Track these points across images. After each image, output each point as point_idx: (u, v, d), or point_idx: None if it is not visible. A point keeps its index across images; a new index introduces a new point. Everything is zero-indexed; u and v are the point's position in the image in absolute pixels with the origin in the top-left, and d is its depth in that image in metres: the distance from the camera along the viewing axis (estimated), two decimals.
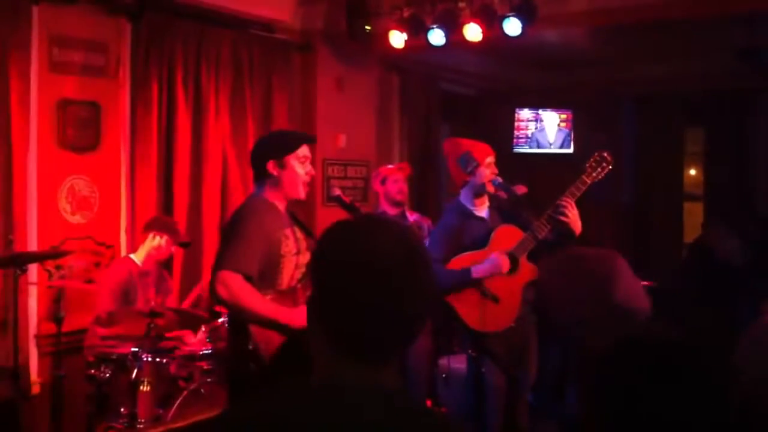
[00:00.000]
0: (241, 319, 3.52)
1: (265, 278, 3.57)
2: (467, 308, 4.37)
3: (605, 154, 4.43)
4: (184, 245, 5.32)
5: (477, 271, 4.39)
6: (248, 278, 3.51)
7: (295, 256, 3.66)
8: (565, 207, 4.31)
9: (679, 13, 5.61)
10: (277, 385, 1.45)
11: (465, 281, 4.38)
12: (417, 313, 1.46)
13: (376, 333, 1.42)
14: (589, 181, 4.40)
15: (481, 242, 4.50)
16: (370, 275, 1.41)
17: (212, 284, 3.49)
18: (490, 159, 4.63)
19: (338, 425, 1.34)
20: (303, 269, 3.71)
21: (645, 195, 9.09)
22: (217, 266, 3.52)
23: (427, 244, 4.69)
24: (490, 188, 4.62)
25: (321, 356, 1.47)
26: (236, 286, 3.44)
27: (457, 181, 4.73)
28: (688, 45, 7.37)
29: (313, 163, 3.85)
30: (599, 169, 4.40)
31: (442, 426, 1.45)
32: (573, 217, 4.33)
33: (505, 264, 4.39)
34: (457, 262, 4.44)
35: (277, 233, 3.63)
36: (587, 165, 4.43)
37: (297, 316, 3.47)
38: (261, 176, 3.74)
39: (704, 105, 8.87)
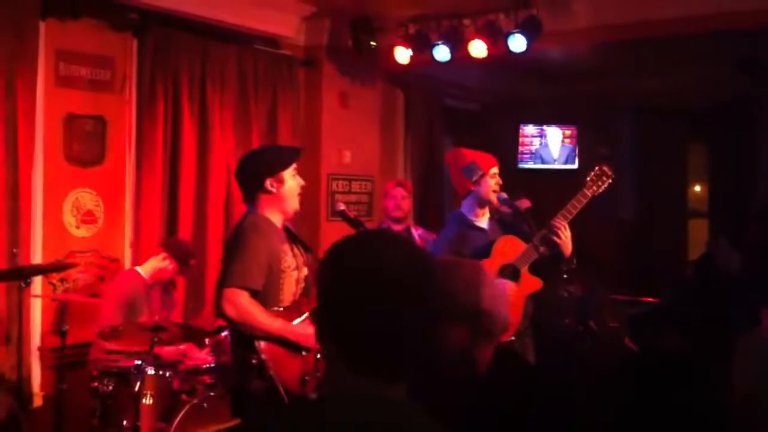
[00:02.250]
0: (247, 334, 3.53)
1: (267, 294, 3.59)
2: None
3: (605, 168, 4.40)
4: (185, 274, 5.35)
5: None
6: (254, 293, 3.52)
7: (294, 272, 3.68)
8: (558, 228, 4.30)
9: (680, 29, 5.64)
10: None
11: None
12: (427, 328, 1.46)
13: (384, 348, 1.41)
14: (590, 195, 4.36)
15: (482, 253, 4.46)
16: (380, 291, 1.41)
17: (218, 302, 3.51)
18: (495, 170, 4.61)
19: None
20: (303, 284, 3.72)
21: (648, 211, 9.09)
22: (222, 283, 3.53)
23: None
24: (494, 200, 4.61)
25: (331, 368, 1.47)
26: (243, 304, 3.47)
27: (460, 191, 4.70)
28: (691, 59, 7.38)
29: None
30: (600, 183, 4.38)
31: None
32: (565, 240, 4.31)
33: (511, 289, 4.34)
34: None
35: (277, 249, 3.64)
36: (588, 179, 4.41)
37: (305, 334, 3.49)
38: (253, 194, 3.74)
39: (707, 119, 8.87)
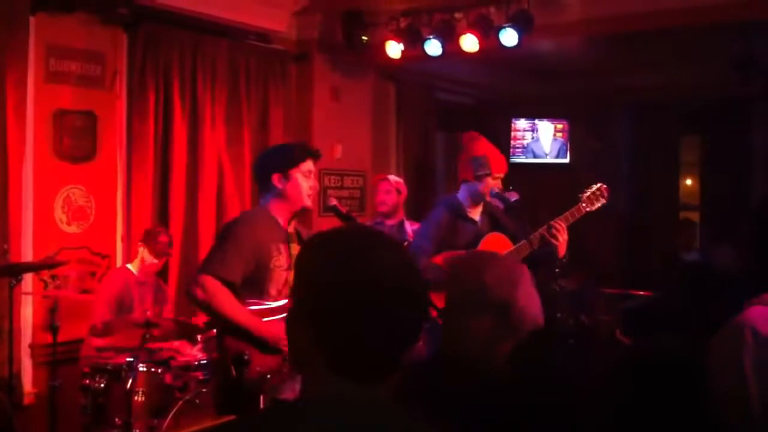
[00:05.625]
0: (225, 325, 3.61)
1: (253, 287, 3.65)
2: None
3: (603, 189, 4.53)
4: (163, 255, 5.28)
5: None
6: (229, 285, 3.58)
7: (285, 271, 3.71)
8: (557, 230, 4.37)
9: (674, 21, 5.63)
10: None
11: None
12: (414, 328, 1.45)
13: (373, 353, 1.39)
14: (584, 211, 4.50)
15: (469, 245, 4.53)
16: (370, 295, 1.38)
17: (190, 285, 3.60)
18: (500, 175, 4.64)
19: None
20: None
21: (641, 204, 9.10)
22: (200, 269, 3.63)
23: (416, 235, 4.79)
24: (488, 198, 4.64)
25: (314, 373, 1.43)
26: (213, 290, 3.54)
27: (460, 176, 4.72)
28: (685, 54, 7.39)
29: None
30: (595, 202, 4.51)
31: None
32: (562, 242, 4.39)
33: None
34: (443, 259, 4.45)
35: (268, 245, 3.68)
36: (585, 195, 4.51)
37: (268, 331, 3.56)
38: (265, 189, 3.83)
39: (700, 114, 8.89)
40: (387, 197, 5.86)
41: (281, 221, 3.77)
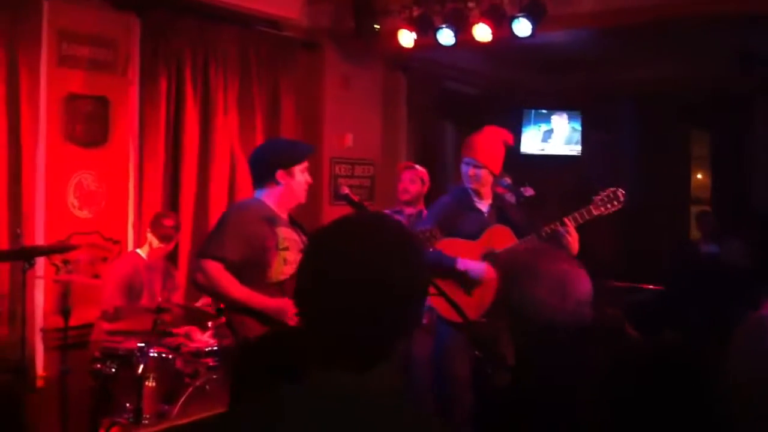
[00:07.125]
0: (230, 305, 3.75)
1: (253, 271, 3.74)
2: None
3: (619, 193, 4.39)
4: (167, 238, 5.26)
5: (464, 264, 4.43)
6: (229, 263, 3.68)
7: (283, 251, 3.79)
8: (567, 226, 4.32)
9: (685, 11, 5.61)
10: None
11: (448, 267, 4.39)
12: (406, 318, 1.45)
13: (361, 344, 1.40)
14: (595, 213, 4.38)
15: (473, 235, 4.54)
16: (364, 284, 1.39)
17: (192, 272, 3.77)
18: (470, 160, 4.59)
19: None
20: (296, 266, 3.77)
21: (650, 199, 9.07)
22: (198, 255, 3.80)
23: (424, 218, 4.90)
24: (497, 188, 4.64)
25: (311, 362, 1.44)
26: (213, 272, 3.67)
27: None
28: (693, 47, 7.37)
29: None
30: (608, 205, 4.38)
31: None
32: (572, 240, 4.32)
33: (489, 272, 4.41)
34: (446, 246, 4.45)
35: (261, 227, 3.78)
36: (597, 197, 4.40)
37: (272, 302, 3.65)
38: (262, 182, 3.91)
39: (709, 108, 8.86)
40: (411, 186, 5.86)
41: (275, 209, 3.88)
